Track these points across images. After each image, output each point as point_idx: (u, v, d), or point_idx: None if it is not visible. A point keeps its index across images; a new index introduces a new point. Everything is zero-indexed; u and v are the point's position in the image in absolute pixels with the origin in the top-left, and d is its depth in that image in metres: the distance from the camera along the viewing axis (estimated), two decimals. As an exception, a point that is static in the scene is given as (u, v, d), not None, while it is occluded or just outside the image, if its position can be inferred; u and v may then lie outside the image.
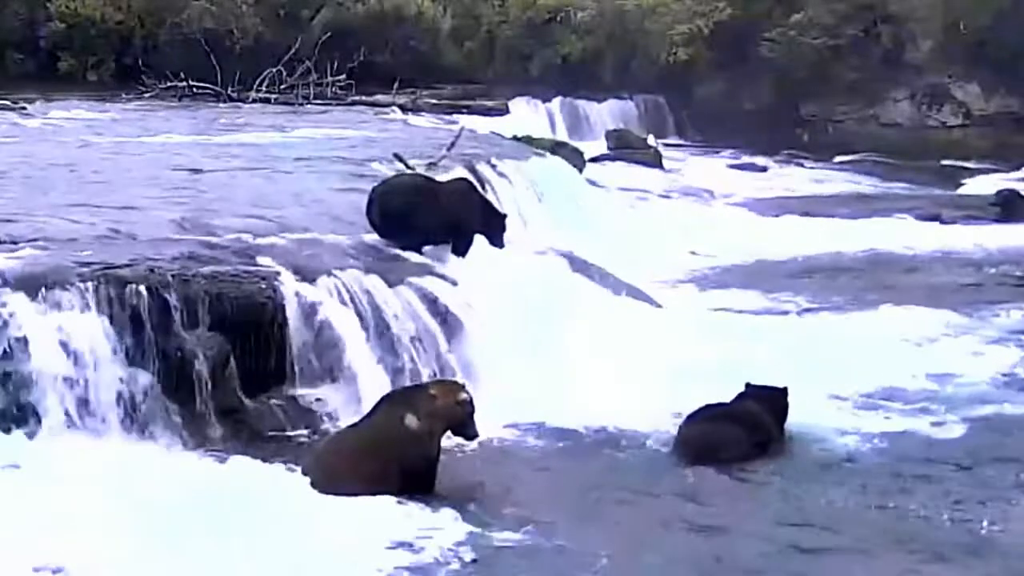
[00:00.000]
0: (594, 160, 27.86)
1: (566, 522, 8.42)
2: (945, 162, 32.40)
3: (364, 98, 34.71)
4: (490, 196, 15.11)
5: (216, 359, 9.93)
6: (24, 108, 27.51)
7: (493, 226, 12.67)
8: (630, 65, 38.11)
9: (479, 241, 12.47)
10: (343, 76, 35.99)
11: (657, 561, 7.98)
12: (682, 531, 8.50)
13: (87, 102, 30.13)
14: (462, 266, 12.10)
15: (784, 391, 10.25)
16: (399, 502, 8.55)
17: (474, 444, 9.35)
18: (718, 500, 8.99)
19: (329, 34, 38.39)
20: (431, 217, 12.23)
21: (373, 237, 12.27)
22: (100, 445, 9.21)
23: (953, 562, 7.99)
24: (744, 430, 9.87)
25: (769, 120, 34.99)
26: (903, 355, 12.74)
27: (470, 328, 11.12)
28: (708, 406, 10.08)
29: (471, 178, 15.72)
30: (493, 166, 17.87)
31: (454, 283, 11.53)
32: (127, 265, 10.37)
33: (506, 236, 12.90)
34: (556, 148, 24.76)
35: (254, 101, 33.81)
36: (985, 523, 8.47)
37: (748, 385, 10.30)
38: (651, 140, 32.20)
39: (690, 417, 10.02)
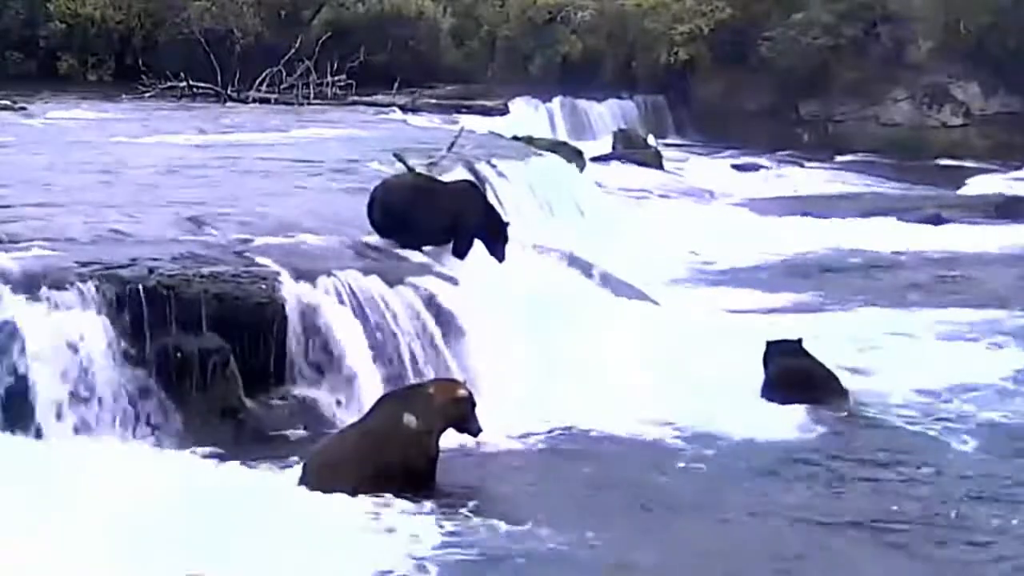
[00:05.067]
0: (594, 160, 27.84)
1: (565, 522, 8.41)
2: (945, 162, 32.42)
3: (364, 98, 34.66)
4: (491, 197, 15.04)
5: (216, 359, 9.93)
6: (24, 108, 27.50)
7: (495, 233, 12.35)
8: (630, 65, 38.11)
9: (479, 244, 12.42)
10: (343, 76, 35.93)
11: (658, 560, 7.98)
12: (682, 530, 8.50)
13: (87, 102, 30.12)
14: (462, 266, 12.08)
15: (799, 341, 10.77)
16: (399, 502, 8.55)
17: (473, 443, 9.35)
18: (719, 498, 8.99)
19: (329, 34, 38.34)
20: (431, 217, 12.19)
21: (373, 237, 12.25)
22: (99, 445, 9.21)
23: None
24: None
25: (769, 120, 35.02)
26: (902, 355, 12.74)
27: (470, 328, 11.10)
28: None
29: (471, 178, 15.70)
30: (493, 166, 17.86)
31: (454, 283, 11.52)
32: (127, 265, 10.38)
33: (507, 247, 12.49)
34: (556, 148, 24.71)
35: (254, 101, 33.79)
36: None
37: (769, 343, 10.50)
38: (651, 140, 32.21)
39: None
